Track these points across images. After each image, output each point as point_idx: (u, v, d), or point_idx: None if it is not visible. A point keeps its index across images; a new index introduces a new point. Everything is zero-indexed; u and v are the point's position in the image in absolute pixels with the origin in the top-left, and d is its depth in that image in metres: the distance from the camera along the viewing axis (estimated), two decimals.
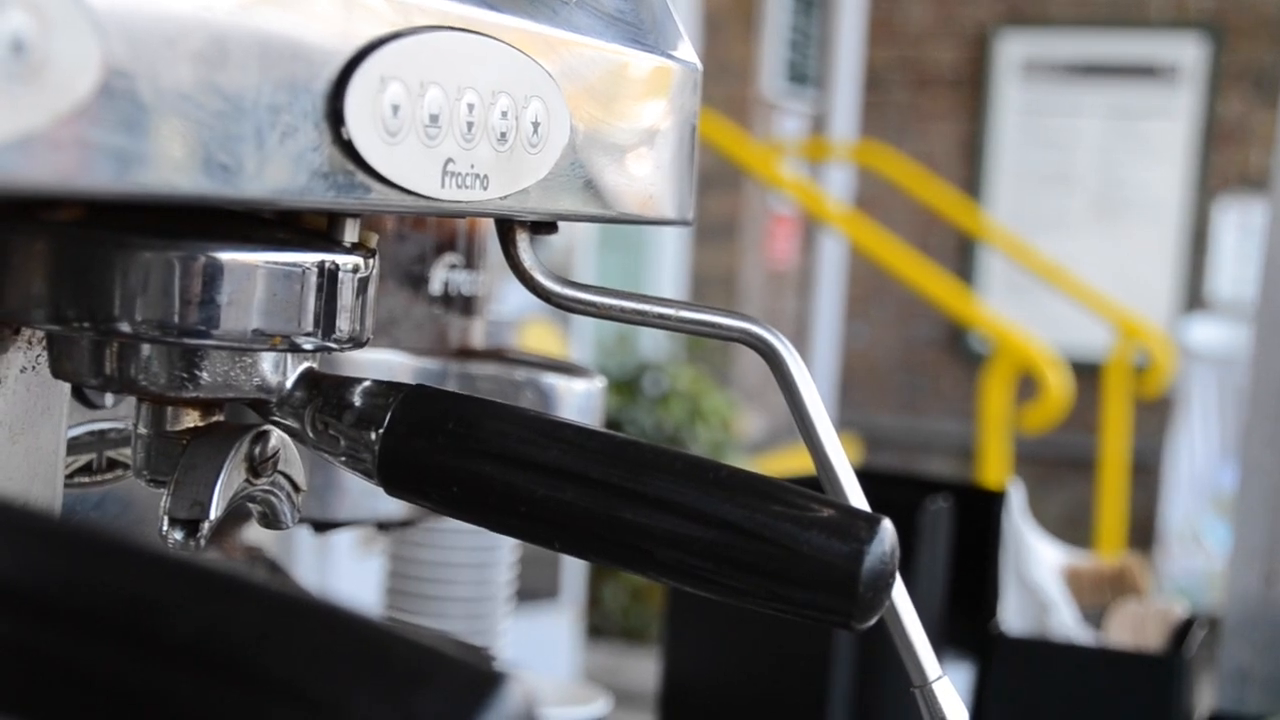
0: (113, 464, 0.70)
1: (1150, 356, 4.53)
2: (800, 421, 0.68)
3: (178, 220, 0.54)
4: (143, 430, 0.59)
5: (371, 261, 0.58)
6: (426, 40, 0.54)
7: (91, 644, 0.39)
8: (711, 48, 4.82)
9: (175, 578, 0.41)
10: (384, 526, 0.90)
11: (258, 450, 0.59)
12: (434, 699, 0.37)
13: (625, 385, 4.19)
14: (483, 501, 0.57)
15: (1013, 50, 5.79)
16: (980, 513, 1.51)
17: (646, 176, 0.67)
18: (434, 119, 0.54)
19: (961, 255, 5.76)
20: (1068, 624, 1.57)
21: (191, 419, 0.59)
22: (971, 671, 1.36)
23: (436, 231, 0.87)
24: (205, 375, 0.56)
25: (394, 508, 0.85)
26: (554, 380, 0.87)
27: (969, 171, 5.84)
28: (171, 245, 0.52)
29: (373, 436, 0.57)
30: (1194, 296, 5.56)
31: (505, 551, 1.03)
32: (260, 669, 0.38)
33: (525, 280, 0.68)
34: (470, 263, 0.89)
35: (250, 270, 0.53)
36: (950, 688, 0.66)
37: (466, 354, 0.88)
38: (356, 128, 0.51)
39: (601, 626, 3.90)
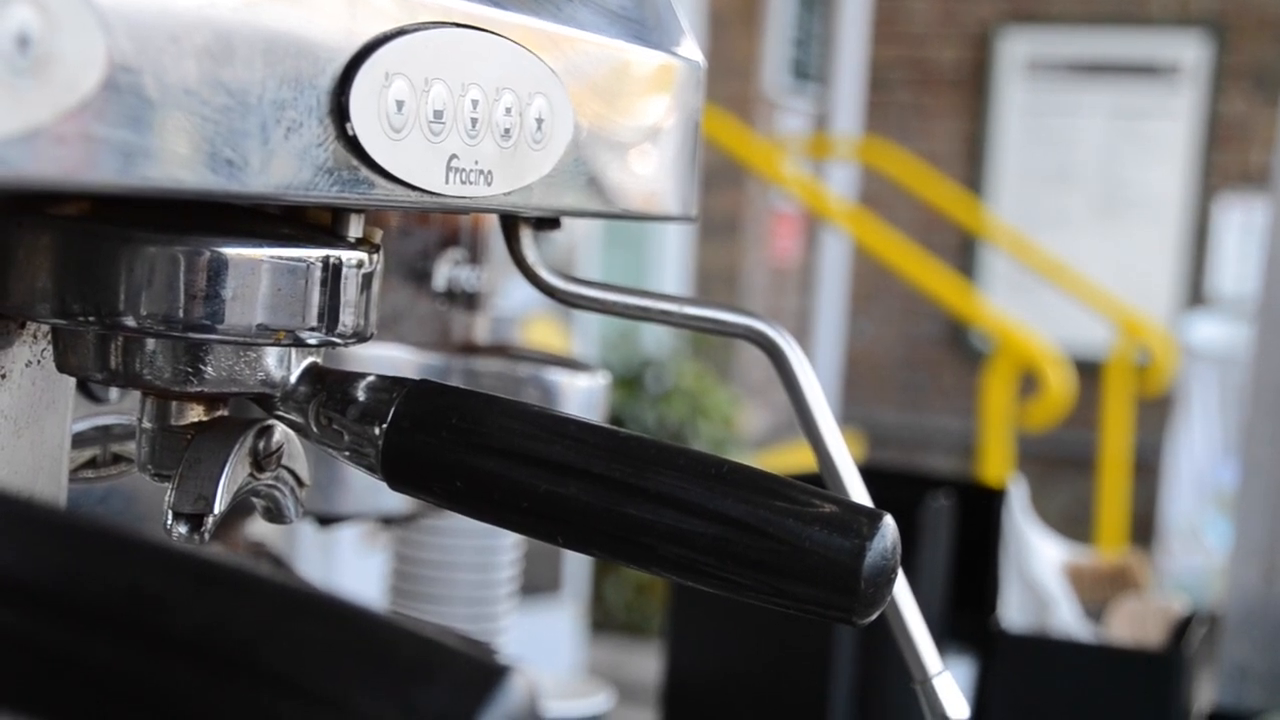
0: (117, 458, 0.71)
1: (1151, 354, 4.53)
2: (803, 417, 0.68)
3: (182, 215, 0.54)
4: (147, 425, 0.59)
5: (376, 257, 0.58)
6: (431, 37, 0.54)
7: (94, 638, 0.39)
8: (715, 45, 4.82)
9: (178, 571, 0.41)
10: (387, 521, 0.91)
11: (262, 445, 0.59)
12: (437, 693, 0.37)
13: (628, 381, 4.19)
14: (486, 496, 0.57)
15: (1015, 49, 5.79)
16: (981, 509, 1.51)
17: (650, 173, 0.67)
18: (438, 115, 0.55)
19: (964, 253, 5.76)
20: (1068, 620, 1.57)
21: (196, 413, 0.59)
22: (973, 667, 1.36)
23: (440, 227, 0.87)
24: (210, 370, 0.56)
25: (397, 503, 0.85)
26: (557, 376, 0.87)
27: (971, 169, 5.84)
28: (176, 240, 0.53)
29: (376, 431, 0.57)
30: (1195, 294, 5.56)
31: (508, 546, 1.04)
32: (263, 663, 0.38)
33: (529, 276, 0.69)
34: (474, 259, 0.89)
35: (255, 265, 0.54)
36: (951, 683, 0.67)
37: (470, 349, 0.89)
38: (361, 124, 0.52)
39: (604, 621, 3.90)
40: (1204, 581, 4.17)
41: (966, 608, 1.47)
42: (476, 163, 0.57)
